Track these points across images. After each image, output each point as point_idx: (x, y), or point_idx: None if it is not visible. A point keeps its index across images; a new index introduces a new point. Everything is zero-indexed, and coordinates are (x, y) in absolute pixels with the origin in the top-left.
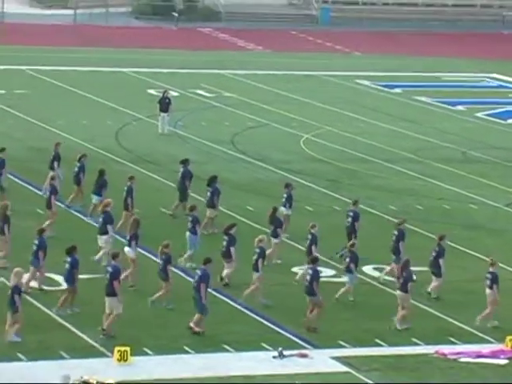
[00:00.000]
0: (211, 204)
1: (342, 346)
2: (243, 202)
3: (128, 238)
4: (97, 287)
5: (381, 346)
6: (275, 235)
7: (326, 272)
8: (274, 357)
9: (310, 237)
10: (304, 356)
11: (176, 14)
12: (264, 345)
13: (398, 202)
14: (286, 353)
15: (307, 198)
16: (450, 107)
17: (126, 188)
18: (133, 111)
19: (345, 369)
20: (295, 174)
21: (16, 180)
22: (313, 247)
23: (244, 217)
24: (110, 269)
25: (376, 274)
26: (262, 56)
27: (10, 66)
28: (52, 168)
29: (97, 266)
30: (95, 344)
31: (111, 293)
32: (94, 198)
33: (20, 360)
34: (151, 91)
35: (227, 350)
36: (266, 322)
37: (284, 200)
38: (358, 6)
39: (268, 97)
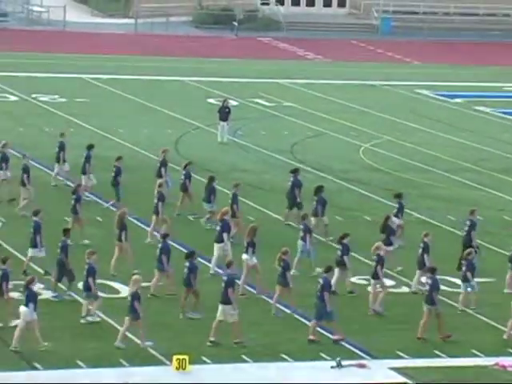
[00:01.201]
0: (316, 213)
1: (400, 357)
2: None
3: (245, 244)
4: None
5: (440, 357)
6: (388, 243)
7: (386, 282)
8: (332, 367)
9: (422, 245)
10: (362, 366)
11: (236, 24)
12: (322, 355)
13: (456, 213)
14: (344, 363)
15: (365, 208)
16: (510, 117)
17: (230, 195)
18: (192, 120)
19: (403, 380)
20: (354, 183)
21: (72, 186)
22: (425, 256)
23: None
24: (224, 277)
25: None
26: (322, 65)
27: (72, 74)
28: (160, 175)
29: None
30: (154, 352)
31: (226, 301)
32: (205, 206)
33: (80, 367)
34: (211, 100)
35: (285, 360)
36: (324, 332)
37: (396, 210)
38: (418, 15)
39: (327, 106)
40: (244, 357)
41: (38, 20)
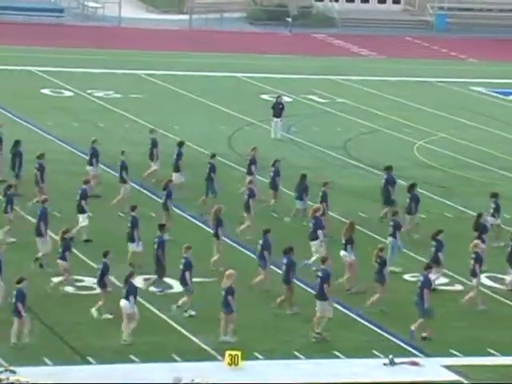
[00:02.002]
0: (409, 211)
1: (453, 355)
2: (355, 208)
3: (343, 241)
4: (210, 291)
5: (493, 355)
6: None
7: (440, 280)
8: (385, 364)
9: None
10: (415, 364)
11: (290, 20)
12: (375, 352)
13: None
14: (397, 360)
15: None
16: None
17: (320, 193)
18: (246, 116)
19: (456, 378)
20: (408, 180)
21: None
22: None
23: (356, 223)
24: (320, 273)
25: (489, 283)
26: (376, 62)
27: (126, 70)
28: (250, 172)
29: (211, 270)
30: (206, 347)
31: (322, 297)
32: (298, 204)
33: (132, 362)
34: (264, 96)
35: (338, 357)
36: (377, 329)
37: (492, 210)
38: (473, 12)
39: (381, 103)
40: (296, 353)
41: (93, 16)
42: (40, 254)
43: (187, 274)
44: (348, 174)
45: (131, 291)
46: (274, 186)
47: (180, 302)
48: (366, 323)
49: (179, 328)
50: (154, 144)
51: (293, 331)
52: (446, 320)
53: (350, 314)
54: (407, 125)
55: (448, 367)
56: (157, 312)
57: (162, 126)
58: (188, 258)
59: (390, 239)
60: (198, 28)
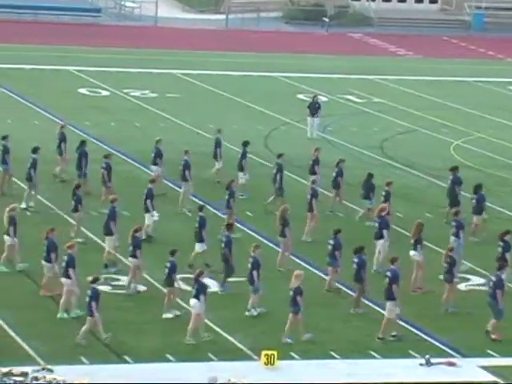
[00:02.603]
0: (477, 211)
1: (490, 356)
2: (391, 207)
3: (413, 241)
4: (243, 290)
5: None
6: None
7: (474, 280)
8: (421, 364)
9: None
10: (452, 364)
11: (327, 20)
12: (411, 352)
13: None
14: (433, 360)
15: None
16: None
17: (383, 193)
18: (282, 116)
19: (493, 378)
20: (444, 180)
21: (163, 181)
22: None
23: (392, 223)
24: (388, 273)
25: None
26: (413, 62)
27: (163, 69)
28: (313, 172)
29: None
30: (242, 347)
31: (390, 297)
32: (365, 203)
33: (169, 361)
34: (301, 96)
35: (374, 357)
36: (413, 329)
37: None
38: (511, 11)
39: (418, 102)
40: (332, 353)
41: (130, 16)
42: (107, 254)
43: (255, 273)
44: (384, 174)
45: (201, 290)
46: (335, 185)
47: (250, 304)
48: (402, 323)
49: (215, 327)
50: (218, 143)
51: (329, 331)
52: (481, 321)
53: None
54: (444, 124)
55: (485, 368)
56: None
57: (198, 125)
58: (256, 257)
59: (452, 239)
60: (234, 28)
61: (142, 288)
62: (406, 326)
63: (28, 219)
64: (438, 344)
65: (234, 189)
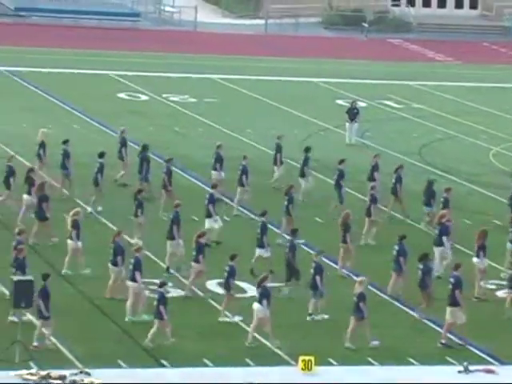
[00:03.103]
0: None
1: None
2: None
3: (476, 248)
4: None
5: None
6: None
7: None
8: (460, 371)
9: None
10: (490, 372)
11: (366, 25)
12: (449, 359)
13: None
14: (471, 368)
15: (495, 212)
16: None
17: (442, 199)
18: (320, 121)
19: None
20: (483, 186)
21: (202, 185)
22: None
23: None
24: (452, 279)
25: None
26: (453, 67)
27: (201, 74)
28: (372, 179)
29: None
30: (280, 352)
31: (454, 303)
32: (426, 209)
33: (206, 365)
34: (339, 101)
35: (411, 363)
36: (451, 336)
37: None
38: None
39: (457, 108)
40: (370, 359)
41: (169, 20)
42: (168, 260)
43: (318, 278)
44: (422, 180)
45: (265, 295)
46: (394, 191)
47: (310, 309)
48: (439, 329)
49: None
50: (279, 149)
51: (365, 337)
52: None
53: (425, 320)
54: (483, 131)
55: None
56: (231, 316)
57: (236, 130)
58: (318, 263)
59: (509, 245)
60: (273, 33)
61: (179, 293)
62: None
63: (93, 223)
64: (476, 351)
65: (292, 195)
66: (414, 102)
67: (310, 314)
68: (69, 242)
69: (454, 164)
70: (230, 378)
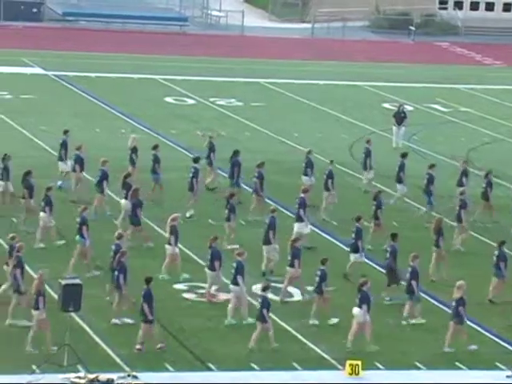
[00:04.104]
0: None
1: None
2: (478, 218)
3: None
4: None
5: None
6: None
7: None
8: (508, 376)
9: None
10: None
11: (413, 28)
12: (498, 364)
13: None
14: None
15: None
16: None
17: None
18: (367, 125)
19: None
20: None
21: (249, 189)
22: None
23: (477, 232)
24: None
25: None
26: (500, 71)
27: (248, 78)
28: (461, 184)
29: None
30: (327, 356)
31: None
32: None
33: (253, 369)
34: (386, 105)
35: (460, 368)
36: (500, 341)
37: None
38: None
39: (505, 112)
40: (418, 364)
41: (216, 24)
42: (265, 265)
43: (414, 283)
44: (471, 185)
45: (364, 299)
46: (485, 197)
47: (405, 313)
48: (488, 335)
49: (300, 336)
50: (368, 153)
51: (415, 342)
52: None
53: (473, 325)
54: None
55: None
56: (278, 320)
57: (283, 134)
58: (415, 267)
59: None
60: (320, 37)
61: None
62: (492, 337)
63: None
64: None
65: (381, 200)
66: (461, 105)
67: (406, 318)
68: (167, 247)
69: (503, 168)
70: (276, 381)
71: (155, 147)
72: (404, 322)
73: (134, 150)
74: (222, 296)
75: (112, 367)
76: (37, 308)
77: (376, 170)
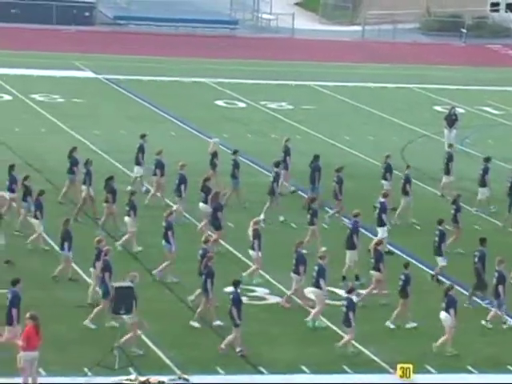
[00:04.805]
0: None
1: None
2: None
3: None
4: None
5: None
6: None
7: None
8: None
9: None
10: None
11: (464, 30)
12: None
13: None
14: None
15: None
16: None
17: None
18: (418, 128)
19: None
20: None
21: (300, 193)
22: None
23: None
24: None
25: None
26: None
27: (299, 81)
28: None
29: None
30: (378, 360)
31: None
32: None
33: (303, 372)
34: (437, 108)
35: (510, 371)
36: None
37: None
38: None
39: None
40: (469, 368)
41: (266, 27)
42: (347, 268)
43: (501, 287)
44: None
45: (451, 304)
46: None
47: (489, 317)
48: None
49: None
50: (450, 158)
51: (467, 345)
52: None
53: None
54: None
55: None
56: (328, 323)
57: (334, 137)
58: (501, 272)
59: None
60: (370, 39)
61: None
62: None
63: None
64: None
65: (460, 204)
66: None
67: (487, 320)
68: (251, 252)
69: None
70: None
71: (235, 152)
72: (505, 327)
73: (215, 154)
74: (308, 301)
75: (163, 370)
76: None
77: (427, 173)
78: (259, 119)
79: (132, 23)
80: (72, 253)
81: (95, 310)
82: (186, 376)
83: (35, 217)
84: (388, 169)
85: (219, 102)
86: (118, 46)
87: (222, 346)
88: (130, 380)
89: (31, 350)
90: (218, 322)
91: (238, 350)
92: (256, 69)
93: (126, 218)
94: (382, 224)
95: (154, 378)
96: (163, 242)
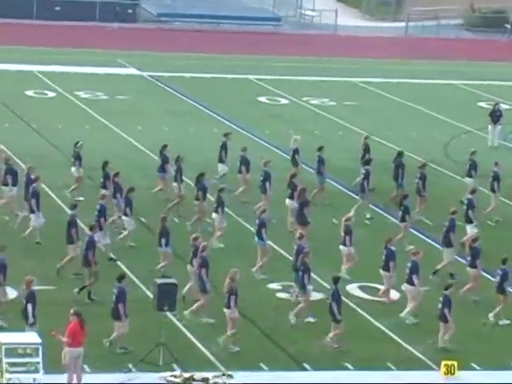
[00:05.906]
0: None
1: None
2: None
3: None
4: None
5: None
6: None
7: None
8: None
9: None
10: None
11: (509, 26)
12: None
13: None
14: None
15: None
16: None
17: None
18: (462, 124)
19: None
20: None
21: (343, 189)
22: None
23: None
24: None
25: None
26: None
27: (342, 78)
28: None
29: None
30: (422, 357)
31: None
32: None
33: (347, 369)
34: (481, 104)
35: None
36: None
37: None
38: None
39: None
40: None
41: (309, 24)
42: (443, 266)
43: None
44: None
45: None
46: None
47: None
48: None
49: (395, 337)
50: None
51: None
52: None
53: None
54: None
55: None
56: (372, 320)
57: (377, 133)
58: None
59: None
60: (414, 35)
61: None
62: None
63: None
64: None
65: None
66: None
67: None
68: (341, 247)
69: None
70: (371, 381)
71: (320, 149)
72: (500, 323)
73: (296, 151)
74: (393, 296)
75: (207, 366)
76: (228, 307)
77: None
78: (302, 116)
79: (176, 20)
80: (170, 248)
81: (195, 305)
82: (229, 373)
83: (125, 214)
84: (473, 166)
85: (262, 99)
86: (162, 43)
87: (328, 339)
88: (175, 376)
89: (76, 346)
90: (309, 319)
91: (335, 346)
92: (299, 65)
93: (214, 215)
94: (470, 221)
95: (198, 375)
96: (256, 238)
